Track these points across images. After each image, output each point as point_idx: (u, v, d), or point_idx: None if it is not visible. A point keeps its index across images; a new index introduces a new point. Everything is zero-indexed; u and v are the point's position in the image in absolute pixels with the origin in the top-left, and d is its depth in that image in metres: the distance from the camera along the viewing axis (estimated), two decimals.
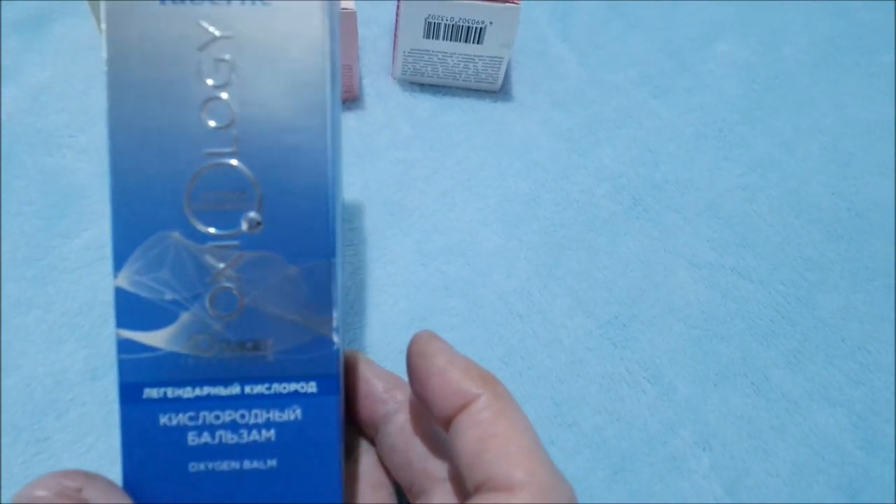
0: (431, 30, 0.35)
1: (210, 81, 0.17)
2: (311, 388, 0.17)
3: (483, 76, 0.37)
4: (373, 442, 0.21)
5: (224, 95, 0.17)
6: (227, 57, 0.17)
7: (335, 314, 0.17)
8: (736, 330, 0.31)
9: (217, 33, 0.17)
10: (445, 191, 0.33)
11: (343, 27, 0.32)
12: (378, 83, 0.37)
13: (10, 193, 0.31)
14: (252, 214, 0.17)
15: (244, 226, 0.17)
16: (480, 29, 0.35)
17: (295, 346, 0.17)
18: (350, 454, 0.21)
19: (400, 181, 0.33)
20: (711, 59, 0.42)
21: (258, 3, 0.17)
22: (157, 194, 0.17)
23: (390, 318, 0.29)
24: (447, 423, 0.17)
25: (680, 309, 0.31)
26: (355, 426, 0.21)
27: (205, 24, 0.17)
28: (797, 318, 0.31)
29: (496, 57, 0.36)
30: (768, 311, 0.31)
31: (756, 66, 0.42)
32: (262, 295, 0.17)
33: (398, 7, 0.34)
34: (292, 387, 0.17)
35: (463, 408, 0.17)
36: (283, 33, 0.17)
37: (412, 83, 0.38)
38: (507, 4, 0.33)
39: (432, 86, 0.38)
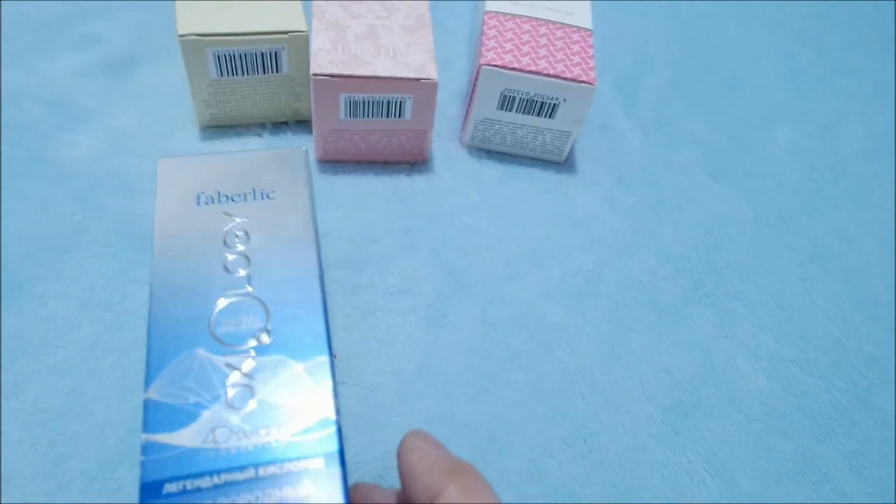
0: (506, 102, 0.36)
1: (230, 247, 0.23)
2: (319, 463, 0.19)
3: (550, 148, 0.38)
4: None
5: (241, 255, 0.23)
6: (243, 231, 0.24)
7: (335, 398, 0.20)
8: (796, 426, 0.31)
9: (237, 218, 0.24)
10: (510, 260, 0.34)
11: (423, 96, 0.33)
12: (446, 147, 0.38)
13: (90, 234, 0.31)
14: (263, 333, 0.21)
15: (257, 339, 0.21)
16: (554, 104, 0.35)
17: (303, 429, 0.19)
18: None
19: (466, 248, 0.34)
20: (771, 143, 0.42)
21: (266, 199, 0.25)
22: (187, 328, 0.21)
23: (455, 389, 0.29)
24: None
25: (741, 399, 0.31)
26: None
27: (227, 213, 0.24)
28: (857, 418, 0.31)
29: (565, 131, 0.37)
30: (828, 409, 0.31)
31: (814, 154, 0.42)
32: (274, 389, 0.20)
33: (476, 78, 0.35)
34: (302, 464, 0.19)
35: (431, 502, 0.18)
36: (282, 215, 0.24)
37: (479, 149, 0.38)
38: (583, 84, 0.34)
39: (499, 153, 0.38)
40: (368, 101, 0.33)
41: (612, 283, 0.34)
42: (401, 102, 0.33)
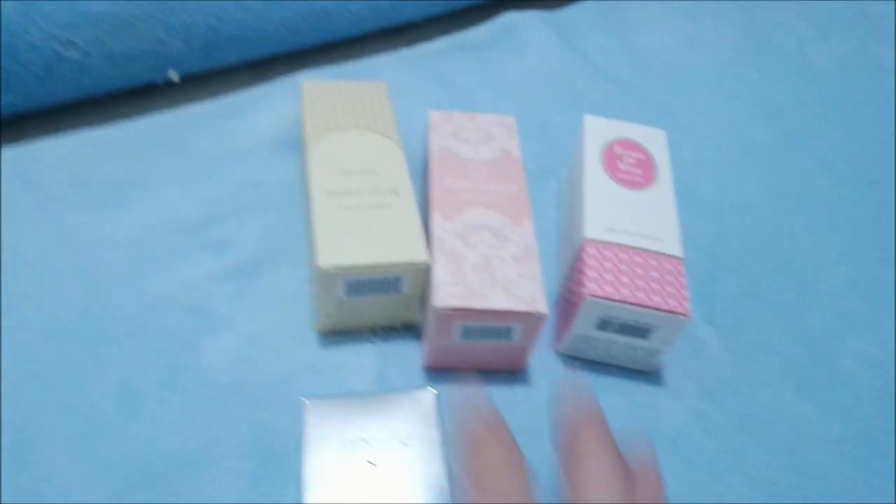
0: (604, 325, 0.38)
1: (373, 492, 0.27)
2: None
3: (641, 362, 0.40)
4: None
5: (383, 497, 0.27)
6: (384, 476, 0.28)
7: None
8: None
9: (377, 463, 0.28)
10: None
11: (532, 324, 0.36)
12: (540, 353, 0.41)
13: (225, 448, 0.34)
14: None
15: None
16: (647, 329, 0.38)
17: None
18: None
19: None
20: (846, 354, 0.44)
21: (402, 446, 0.29)
22: None
23: None
24: None
25: None
26: None
27: (370, 461, 0.29)
28: None
29: (657, 349, 0.39)
30: None
31: (885, 366, 0.44)
32: None
33: (579, 306, 0.38)
34: None
35: None
36: (419, 465, 0.28)
37: (573, 357, 0.41)
38: (678, 315, 0.37)
39: (592, 361, 0.41)
40: (482, 328, 0.36)
41: None
42: (510, 329, 0.36)
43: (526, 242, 0.39)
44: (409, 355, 0.39)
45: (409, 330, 0.40)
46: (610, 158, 0.44)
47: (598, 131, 0.46)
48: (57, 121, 0.48)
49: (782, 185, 0.55)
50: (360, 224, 0.37)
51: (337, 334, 0.39)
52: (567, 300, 0.41)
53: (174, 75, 0.49)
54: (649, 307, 0.37)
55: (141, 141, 0.47)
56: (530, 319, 0.36)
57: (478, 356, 0.38)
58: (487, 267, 0.37)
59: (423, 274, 0.37)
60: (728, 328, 0.44)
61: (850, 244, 0.52)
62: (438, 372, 0.39)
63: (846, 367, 0.43)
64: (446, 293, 0.35)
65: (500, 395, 0.38)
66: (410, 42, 0.60)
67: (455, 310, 0.35)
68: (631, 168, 0.44)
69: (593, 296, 0.37)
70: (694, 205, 0.52)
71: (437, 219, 0.39)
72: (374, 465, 0.28)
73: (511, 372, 0.40)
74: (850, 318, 0.46)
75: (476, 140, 0.43)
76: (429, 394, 0.30)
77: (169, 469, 0.33)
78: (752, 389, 0.41)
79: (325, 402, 0.30)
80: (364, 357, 0.39)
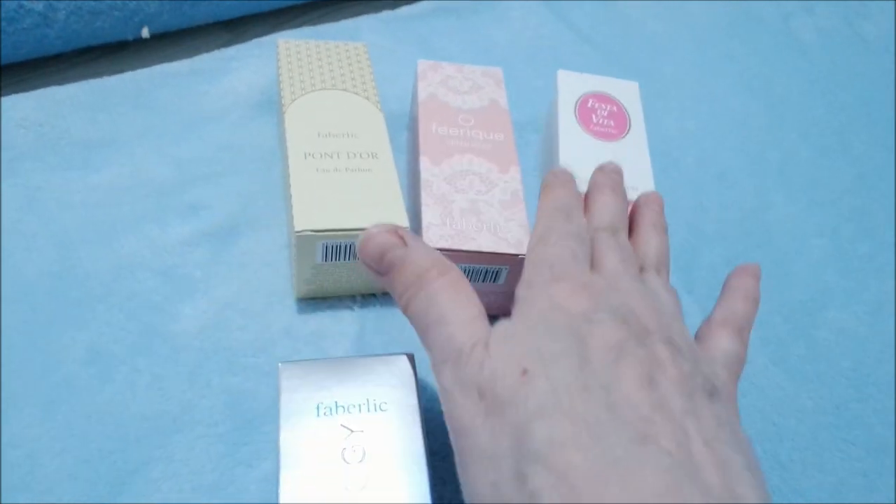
0: None
1: (349, 463, 0.27)
2: None
3: None
4: None
5: (359, 475, 0.26)
6: (361, 449, 0.27)
7: None
8: None
9: (353, 429, 0.28)
10: None
11: (519, 267, 0.36)
12: None
13: (199, 413, 0.33)
14: None
15: None
16: None
17: None
18: None
19: None
20: (824, 326, 0.44)
21: (378, 411, 0.28)
22: None
23: None
24: None
25: None
26: None
27: (345, 425, 0.28)
28: None
29: None
30: None
31: (865, 338, 0.44)
32: None
33: None
34: None
35: None
36: (395, 430, 0.28)
37: None
38: None
39: None
40: (470, 270, 0.36)
41: None
42: (497, 271, 0.37)
43: (513, 188, 0.39)
44: (389, 322, 0.39)
45: (389, 296, 0.40)
46: (583, 111, 0.44)
47: (571, 85, 0.46)
48: (22, 77, 0.46)
49: (763, 156, 0.55)
50: (337, 187, 0.36)
51: (315, 301, 0.39)
52: None
53: (146, 32, 0.47)
54: None
55: (112, 99, 0.45)
56: (517, 262, 0.36)
57: None
58: (475, 211, 0.37)
59: None
60: (707, 298, 0.44)
61: (831, 217, 0.52)
62: None
63: (824, 339, 0.44)
64: (435, 234, 0.36)
65: None
66: (393, 4, 0.58)
67: (444, 251, 0.35)
68: (604, 120, 0.44)
69: None
70: (674, 175, 0.51)
71: (425, 163, 0.39)
72: (351, 430, 0.27)
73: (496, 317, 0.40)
74: (829, 290, 0.47)
75: (464, 89, 0.44)
76: (405, 358, 0.30)
77: (143, 434, 0.32)
78: None
79: (300, 366, 0.29)
80: (342, 323, 0.38)
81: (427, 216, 0.36)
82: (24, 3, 0.40)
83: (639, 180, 0.41)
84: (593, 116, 0.45)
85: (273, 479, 0.32)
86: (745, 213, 0.50)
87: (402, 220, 0.36)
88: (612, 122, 0.45)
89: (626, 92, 0.47)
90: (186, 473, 0.31)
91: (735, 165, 0.53)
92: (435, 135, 0.41)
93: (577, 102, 0.45)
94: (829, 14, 0.70)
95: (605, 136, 0.44)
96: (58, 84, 0.45)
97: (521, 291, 0.27)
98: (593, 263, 0.28)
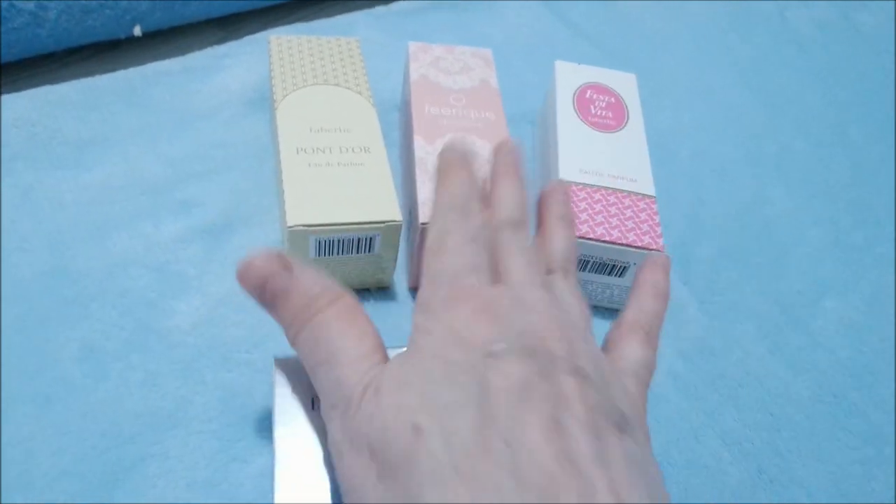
0: (580, 264, 0.39)
1: None
2: None
3: (617, 300, 0.41)
4: None
5: None
6: None
7: None
8: None
9: None
10: None
11: None
12: None
13: (193, 409, 0.33)
14: None
15: None
16: (624, 267, 0.38)
17: None
18: None
19: None
20: (821, 315, 0.44)
21: None
22: None
23: None
24: None
25: None
26: None
27: None
28: None
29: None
30: None
31: (863, 328, 0.44)
32: None
33: None
34: None
35: None
36: None
37: None
38: (652, 251, 0.37)
39: None
40: None
41: (682, 467, 0.35)
42: None
43: None
44: (383, 317, 0.38)
45: (383, 291, 0.40)
46: (581, 102, 0.45)
47: (569, 76, 0.46)
48: (14, 77, 0.46)
49: (761, 149, 0.55)
50: (330, 182, 0.36)
51: None
52: None
53: (138, 31, 0.47)
54: (624, 245, 0.37)
55: (104, 98, 0.45)
56: None
57: None
58: None
59: (396, 233, 0.36)
60: (704, 290, 0.44)
61: (827, 207, 0.52)
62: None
63: (821, 329, 0.44)
64: (431, 211, 0.35)
65: None
66: (386, 0, 0.58)
67: None
68: (602, 111, 0.44)
69: None
70: (671, 168, 0.51)
71: (419, 142, 0.39)
72: None
73: None
74: (825, 280, 0.46)
75: (455, 70, 0.44)
76: (397, 353, 0.30)
77: (137, 431, 0.32)
78: (728, 350, 0.41)
79: (295, 360, 0.29)
80: None
81: (422, 193, 0.37)
82: (16, 2, 0.40)
83: (637, 172, 0.41)
84: (591, 107, 0.45)
85: (269, 475, 0.32)
86: (743, 205, 0.50)
87: (395, 214, 0.36)
88: (610, 114, 0.44)
89: (624, 83, 0.47)
90: (181, 470, 0.31)
91: (732, 158, 0.53)
92: (427, 115, 0.41)
93: (575, 93, 0.45)
94: (825, 6, 0.70)
95: (604, 127, 0.44)
96: (50, 84, 0.45)
97: (418, 317, 0.24)
98: (496, 269, 0.26)
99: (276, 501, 0.25)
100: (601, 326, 0.40)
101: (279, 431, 0.27)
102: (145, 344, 0.35)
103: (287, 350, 0.36)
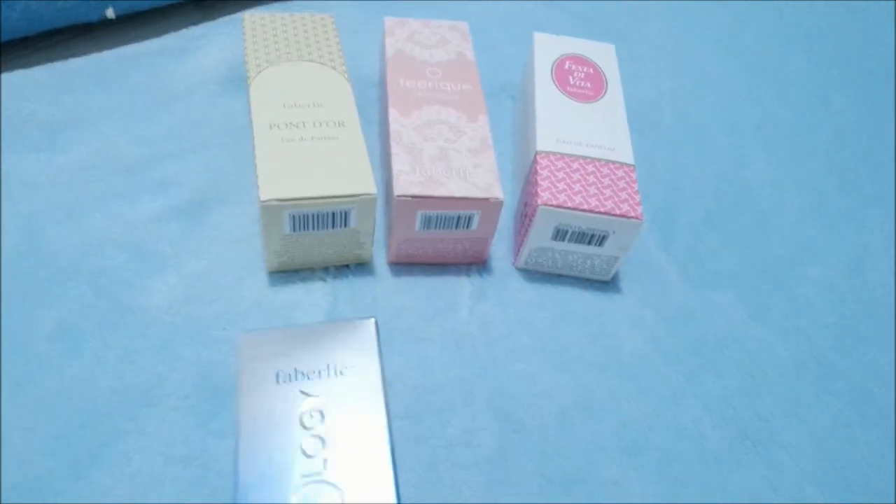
0: (559, 234, 0.38)
1: (308, 428, 0.26)
2: None
3: (598, 270, 0.40)
4: None
5: (317, 437, 0.26)
6: (318, 412, 0.27)
7: None
8: None
9: (313, 397, 0.27)
10: (564, 408, 0.35)
11: (490, 212, 0.37)
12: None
13: (169, 386, 0.33)
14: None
15: None
16: (603, 236, 0.38)
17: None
18: None
19: (521, 397, 0.36)
20: (804, 281, 0.44)
21: (339, 376, 0.28)
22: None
23: None
24: None
25: None
26: None
27: (304, 391, 0.27)
28: None
29: (613, 256, 0.39)
30: None
31: (845, 292, 0.44)
32: None
33: (533, 215, 0.37)
34: None
35: None
36: (354, 392, 0.27)
37: (531, 271, 0.41)
38: (631, 219, 0.37)
39: (549, 274, 0.41)
40: (442, 217, 0.37)
41: (662, 432, 0.35)
42: (469, 217, 0.37)
43: (482, 136, 0.39)
44: (362, 293, 0.38)
45: (362, 267, 0.40)
46: (560, 73, 0.44)
47: (547, 47, 0.46)
48: None
49: (741, 115, 0.54)
50: (304, 157, 0.36)
51: (288, 273, 0.38)
52: (523, 214, 0.40)
53: (111, 13, 0.47)
54: (602, 213, 0.37)
55: (78, 80, 0.45)
56: (488, 206, 0.36)
57: (439, 248, 0.39)
58: (444, 158, 0.38)
59: (371, 206, 0.36)
60: (686, 257, 0.44)
61: (809, 173, 0.51)
62: (402, 267, 0.40)
63: (804, 294, 0.43)
64: (406, 181, 0.36)
65: (458, 329, 0.38)
66: None
67: (415, 197, 0.36)
68: (581, 82, 0.44)
69: (546, 204, 0.37)
70: (652, 136, 0.51)
71: (394, 115, 0.39)
72: (309, 395, 0.27)
73: (475, 265, 0.40)
74: (808, 246, 0.46)
75: (431, 43, 0.44)
76: (368, 322, 0.30)
77: (113, 408, 0.32)
78: (709, 316, 0.41)
79: (260, 335, 0.29)
80: (315, 295, 0.38)
81: (397, 164, 0.37)
82: None
83: (616, 141, 0.41)
84: (570, 78, 0.44)
85: None
86: (724, 172, 0.50)
87: (370, 187, 0.35)
88: (588, 84, 0.44)
89: (603, 54, 0.47)
90: (158, 445, 0.31)
91: (712, 124, 0.53)
92: (403, 88, 0.41)
93: (553, 64, 0.45)
94: None
95: (582, 97, 0.43)
96: (22, 68, 0.45)
97: None
98: None
99: (239, 473, 0.25)
100: (584, 299, 0.40)
101: (242, 403, 0.27)
102: (121, 322, 0.35)
103: (263, 326, 0.36)
